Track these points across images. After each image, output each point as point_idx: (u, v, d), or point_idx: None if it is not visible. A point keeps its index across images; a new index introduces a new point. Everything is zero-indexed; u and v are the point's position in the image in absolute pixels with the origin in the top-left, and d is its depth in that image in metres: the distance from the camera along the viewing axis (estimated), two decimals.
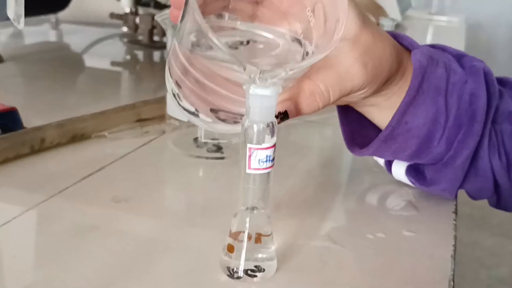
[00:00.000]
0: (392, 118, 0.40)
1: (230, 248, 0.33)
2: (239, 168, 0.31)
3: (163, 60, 0.95)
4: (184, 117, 0.49)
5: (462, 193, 0.46)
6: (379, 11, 0.79)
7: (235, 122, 0.35)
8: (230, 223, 0.33)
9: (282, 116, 0.34)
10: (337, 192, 0.47)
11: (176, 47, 0.34)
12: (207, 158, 0.50)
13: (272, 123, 0.31)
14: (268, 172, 0.31)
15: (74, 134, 0.51)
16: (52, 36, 1.11)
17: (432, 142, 0.41)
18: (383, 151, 0.42)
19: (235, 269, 0.33)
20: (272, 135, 0.31)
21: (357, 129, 0.44)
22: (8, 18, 0.46)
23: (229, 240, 0.33)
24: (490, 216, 2.13)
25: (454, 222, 0.42)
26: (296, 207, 0.43)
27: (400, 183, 0.47)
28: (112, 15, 1.05)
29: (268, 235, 0.33)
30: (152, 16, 0.95)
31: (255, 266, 0.33)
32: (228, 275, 0.33)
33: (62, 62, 0.90)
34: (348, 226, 0.42)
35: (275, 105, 0.31)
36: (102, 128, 0.52)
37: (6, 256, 0.35)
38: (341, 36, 0.32)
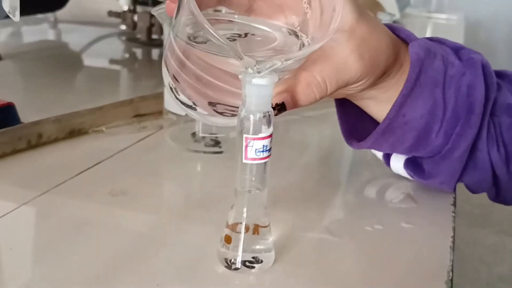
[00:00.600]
0: (390, 110, 0.39)
1: (228, 239, 0.33)
2: (236, 158, 0.31)
3: (161, 58, 0.94)
4: (182, 111, 0.49)
5: (462, 191, 0.45)
6: (378, 7, 0.79)
7: (233, 115, 0.35)
8: (227, 215, 0.33)
9: (279, 107, 0.34)
10: (335, 185, 0.47)
11: (172, 40, 0.34)
12: (205, 152, 0.50)
13: (268, 113, 0.30)
14: (265, 162, 0.31)
15: (71, 129, 0.50)
16: (50, 35, 1.11)
17: (430, 135, 0.41)
18: (381, 144, 0.42)
19: (232, 260, 0.33)
20: (269, 125, 0.30)
21: (355, 122, 0.44)
22: (6, 17, 0.46)
23: (227, 231, 0.33)
24: (491, 213, 2.13)
25: (453, 214, 0.42)
26: (294, 200, 0.43)
27: (398, 176, 0.47)
28: (110, 13, 1.05)
29: (266, 226, 0.33)
30: (150, 13, 0.95)
31: (253, 257, 0.33)
32: (225, 267, 0.33)
33: (61, 61, 0.90)
34: (346, 218, 0.42)
35: (271, 95, 0.30)
36: (99, 123, 0.52)
37: (2, 250, 0.35)
38: (338, 27, 0.31)
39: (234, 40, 0.35)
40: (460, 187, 0.45)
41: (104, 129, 0.52)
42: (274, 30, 0.37)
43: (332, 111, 0.45)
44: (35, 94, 0.69)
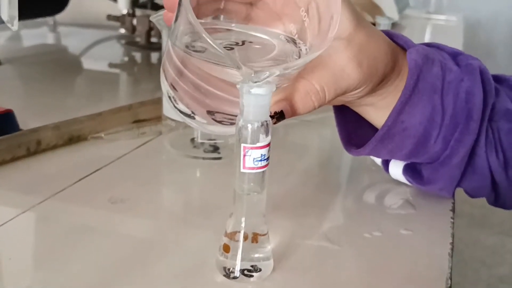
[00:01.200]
0: (388, 117, 0.39)
1: (226, 248, 0.33)
2: (234, 166, 0.31)
3: (160, 62, 0.94)
4: (181, 118, 0.49)
5: (461, 192, 0.45)
6: (376, 10, 0.79)
7: (232, 124, 0.35)
8: (226, 223, 0.33)
9: (278, 116, 0.34)
10: (334, 191, 0.47)
11: (170, 49, 0.34)
12: (204, 158, 0.50)
13: (266, 122, 0.30)
14: (263, 171, 0.31)
15: (70, 136, 0.50)
16: (50, 39, 1.12)
17: (428, 141, 0.41)
18: (379, 151, 0.42)
19: (231, 269, 0.33)
20: (267, 134, 0.30)
21: (353, 129, 0.44)
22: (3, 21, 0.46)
23: (225, 240, 0.33)
24: (491, 214, 2.13)
25: (452, 220, 0.42)
26: (293, 206, 0.43)
27: (397, 182, 0.47)
28: (109, 17, 1.05)
29: (264, 235, 0.33)
30: (149, 17, 0.95)
31: (252, 266, 0.33)
32: (224, 275, 0.33)
33: (60, 65, 0.90)
34: (345, 225, 0.42)
35: (269, 104, 0.30)
36: (98, 129, 0.52)
37: (2, 258, 0.35)
38: (336, 35, 0.31)
39: (232, 48, 0.35)
40: (459, 189, 0.45)
41: (103, 135, 0.52)
42: (272, 38, 0.37)
43: (331, 115, 0.45)
44: (34, 99, 0.69)
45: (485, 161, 0.41)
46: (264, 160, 0.31)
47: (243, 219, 0.32)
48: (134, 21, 1.01)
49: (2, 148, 0.45)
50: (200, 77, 0.33)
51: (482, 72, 0.41)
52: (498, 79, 0.45)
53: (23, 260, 0.35)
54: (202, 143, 0.51)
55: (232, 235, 0.33)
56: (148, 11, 0.99)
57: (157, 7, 1.02)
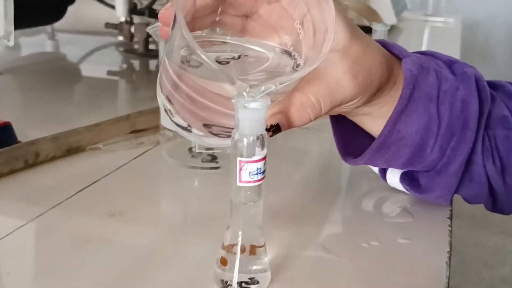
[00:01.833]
0: (384, 127, 0.40)
1: (223, 261, 0.33)
2: (230, 180, 0.31)
3: (159, 69, 0.95)
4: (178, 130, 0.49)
5: None
6: (373, 16, 0.79)
7: (229, 136, 0.35)
8: (224, 235, 0.33)
9: (274, 129, 0.34)
10: (332, 200, 0.47)
11: (166, 62, 0.34)
12: (202, 168, 0.50)
13: (262, 135, 0.31)
14: (259, 185, 0.31)
15: (68, 147, 0.51)
16: (48, 47, 1.12)
17: (425, 150, 0.41)
18: (376, 160, 0.42)
19: (228, 282, 0.33)
20: (262, 148, 0.31)
21: (350, 138, 0.44)
22: None
23: (222, 253, 0.33)
24: (492, 215, 2.12)
25: (450, 228, 0.42)
26: (291, 216, 0.43)
27: (394, 190, 0.47)
28: (107, 25, 1.05)
29: (261, 246, 0.33)
30: (147, 25, 0.95)
31: (249, 278, 0.33)
32: None
33: (59, 73, 0.91)
34: (343, 234, 0.42)
35: (264, 118, 0.31)
36: (97, 140, 0.52)
37: (1, 273, 0.35)
38: (330, 48, 0.32)
39: (228, 62, 0.35)
40: None
41: (101, 146, 0.52)
42: (267, 50, 0.37)
43: (329, 122, 0.45)
44: (33, 109, 0.69)
45: (482, 168, 0.41)
46: (260, 173, 0.31)
47: (240, 232, 0.32)
48: (132, 29, 1.02)
49: (0, 161, 0.46)
50: (195, 90, 0.33)
51: (478, 80, 0.41)
52: (493, 85, 0.45)
53: (22, 274, 0.35)
54: (200, 153, 0.51)
55: (230, 248, 0.33)
56: (146, 19, 0.99)
57: (155, 14, 1.02)
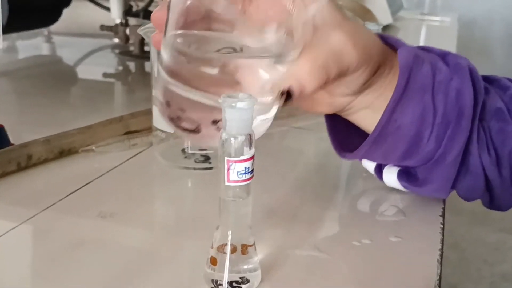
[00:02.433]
0: (382, 116, 0.40)
1: (213, 261, 0.33)
2: (219, 180, 0.31)
3: (151, 71, 0.95)
4: (170, 128, 0.49)
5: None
6: (368, 16, 0.79)
7: None
8: (213, 235, 0.33)
9: (286, 96, 0.35)
10: (325, 200, 0.47)
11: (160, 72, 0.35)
12: (195, 168, 0.50)
13: (249, 134, 0.31)
14: (247, 184, 0.31)
15: (61, 150, 0.51)
16: (45, 49, 1.12)
17: (421, 141, 0.41)
18: (373, 152, 0.42)
19: (219, 281, 0.33)
20: (250, 147, 0.31)
21: (344, 138, 0.44)
22: None
23: (212, 253, 0.33)
24: (492, 212, 2.13)
25: (442, 226, 0.42)
26: (284, 215, 0.43)
27: (388, 189, 0.47)
28: (103, 27, 1.05)
29: (251, 245, 0.33)
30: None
31: (240, 278, 0.33)
32: None
33: (55, 76, 0.91)
34: (335, 233, 0.42)
35: (252, 118, 0.31)
36: (89, 142, 0.52)
37: None
38: (327, 23, 0.34)
39: (230, 53, 0.35)
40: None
41: (94, 148, 0.52)
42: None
43: (323, 121, 0.45)
44: (29, 113, 0.69)
45: (477, 159, 0.41)
46: (248, 173, 0.31)
47: (229, 232, 0.32)
48: (127, 31, 1.02)
49: None
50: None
51: (471, 71, 0.42)
52: (488, 79, 0.45)
53: (13, 277, 0.35)
54: (193, 154, 0.51)
55: (219, 248, 0.33)
56: (141, 21, 0.99)
57: (150, 16, 1.02)
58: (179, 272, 0.35)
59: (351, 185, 0.51)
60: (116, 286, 0.33)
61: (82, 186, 0.46)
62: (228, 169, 0.31)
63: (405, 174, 0.45)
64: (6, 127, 0.51)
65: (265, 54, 0.35)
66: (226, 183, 0.31)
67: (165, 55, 0.34)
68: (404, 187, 0.45)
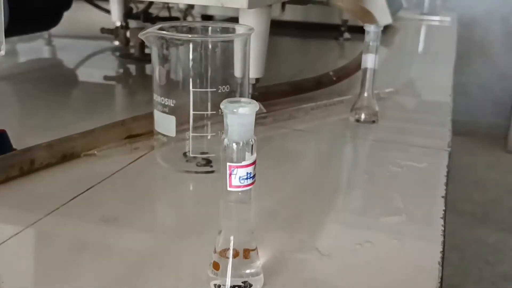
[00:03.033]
0: None
1: (216, 266, 0.33)
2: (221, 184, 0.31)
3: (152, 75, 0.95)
4: (171, 132, 0.49)
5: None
6: (368, 17, 0.79)
7: None
8: (216, 240, 0.33)
9: None
10: (326, 202, 0.47)
11: None
12: (196, 172, 0.51)
13: (251, 140, 0.31)
14: (249, 189, 0.32)
15: (63, 154, 0.51)
16: (46, 53, 1.12)
17: None
18: None
19: (221, 286, 0.33)
20: (252, 153, 0.31)
21: None
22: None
23: (215, 258, 0.33)
24: (492, 212, 2.13)
25: (443, 228, 0.42)
26: (285, 217, 0.44)
27: (389, 190, 0.47)
28: (103, 30, 1.05)
29: (253, 250, 0.33)
30: (143, 29, 0.95)
31: (243, 282, 0.33)
32: None
33: (56, 79, 0.91)
34: (336, 236, 0.42)
35: (253, 123, 0.31)
36: (91, 146, 0.52)
37: None
38: None
39: None
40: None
41: (96, 152, 0.52)
42: None
43: (325, 123, 0.45)
44: (31, 116, 0.69)
45: None
46: (250, 178, 0.31)
47: (231, 237, 0.33)
48: (128, 33, 1.02)
49: None
50: None
51: None
52: None
53: (17, 282, 0.35)
54: (195, 157, 0.51)
55: (222, 252, 0.33)
56: (142, 23, 0.99)
57: (151, 19, 1.02)
58: (182, 276, 0.35)
59: (352, 187, 0.51)
60: None
61: (85, 191, 0.46)
62: (230, 174, 0.31)
63: None
64: (8, 131, 0.51)
65: None
66: (228, 189, 0.31)
67: None
68: None
